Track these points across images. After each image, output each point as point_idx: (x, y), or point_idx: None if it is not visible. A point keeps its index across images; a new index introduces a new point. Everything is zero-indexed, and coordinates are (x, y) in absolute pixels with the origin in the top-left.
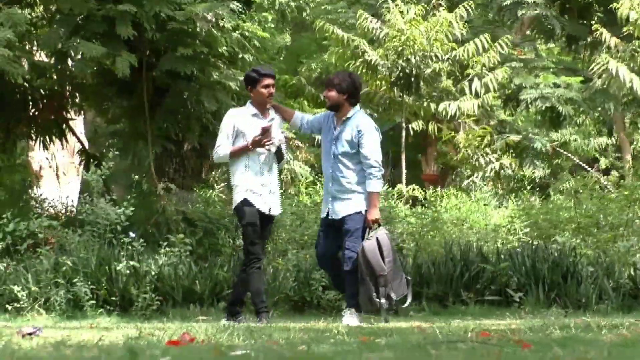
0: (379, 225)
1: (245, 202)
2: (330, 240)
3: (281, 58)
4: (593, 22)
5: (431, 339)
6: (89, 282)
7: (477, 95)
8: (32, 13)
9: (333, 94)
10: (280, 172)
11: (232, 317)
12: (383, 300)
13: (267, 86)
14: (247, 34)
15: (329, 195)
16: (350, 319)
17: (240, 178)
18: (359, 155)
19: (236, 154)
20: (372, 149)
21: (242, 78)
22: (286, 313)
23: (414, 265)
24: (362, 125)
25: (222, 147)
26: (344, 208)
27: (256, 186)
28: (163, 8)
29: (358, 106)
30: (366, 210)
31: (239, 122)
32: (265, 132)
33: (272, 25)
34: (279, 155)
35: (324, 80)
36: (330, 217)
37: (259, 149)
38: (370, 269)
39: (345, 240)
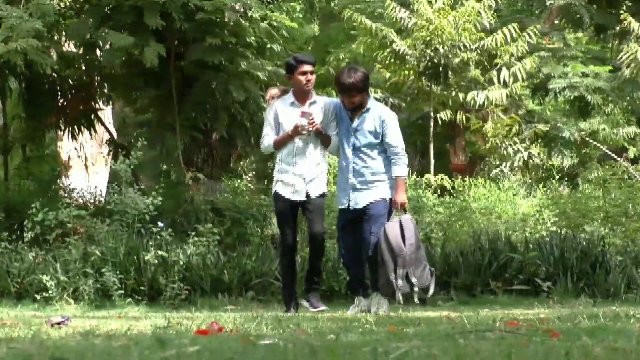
0: (405, 211)
1: (276, 194)
2: (351, 236)
3: (309, 48)
4: (622, 12)
5: (459, 328)
6: (118, 272)
7: (505, 85)
8: (61, 3)
9: (361, 96)
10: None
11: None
12: (400, 282)
13: (304, 73)
14: (275, 24)
15: (348, 187)
16: (378, 305)
17: (275, 169)
18: (382, 145)
19: (280, 144)
20: (398, 137)
21: (270, 68)
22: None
23: (442, 254)
24: (384, 115)
25: (267, 138)
26: (367, 197)
27: (288, 176)
28: None
29: (372, 96)
30: (391, 198)
31: (279, 111)
32: (304, 115)
33: (301, 15)
34: (324, 140)
35: (346, 85)
36: (351, 208)
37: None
38: (390, 249)
39: (370, 226)
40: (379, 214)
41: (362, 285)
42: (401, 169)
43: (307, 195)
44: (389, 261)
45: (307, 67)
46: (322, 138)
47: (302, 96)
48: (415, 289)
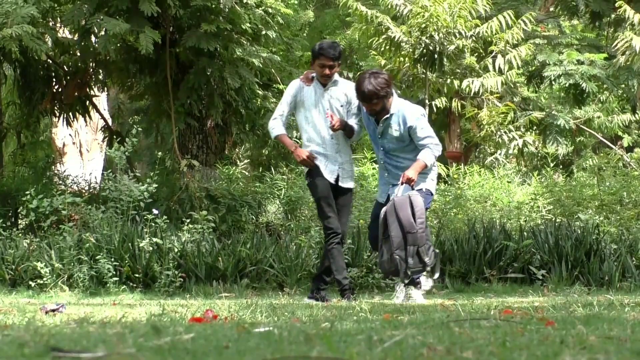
0: (412, 188)
1: (314, 179)
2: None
3: (304, 34)
4: None
5: (454, 316)
6: (112, 259)
7: (500, 72)
8: None
9: (381, 103)
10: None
11: (314, 294)
12: (410, 260)
13: (322, 66)
14: (270, 10)
15: (386, 183)
16: (416, 295)
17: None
18: (410, 146)
19: (282, 144)
20: (427, 136)
21: (265, 55)
22: (309, 290)
23: (436, 242)
24: (409, 119)
25: (277, 123)
26: (406, 189)
27: (321, 162)
28: None
29: (395, 95)
30: (427, 189)
31: (302, 95)
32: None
33: (296, 2)
34: (348, 131)
35: (366, 94)
36: (382, 201)
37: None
38: (400, 225)
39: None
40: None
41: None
42: (428, 154)
43: (337, 181)
44: (397, 237)
45: (324, 61)
46: (347, 131)
47: (323, 83)
48: (428, 268)
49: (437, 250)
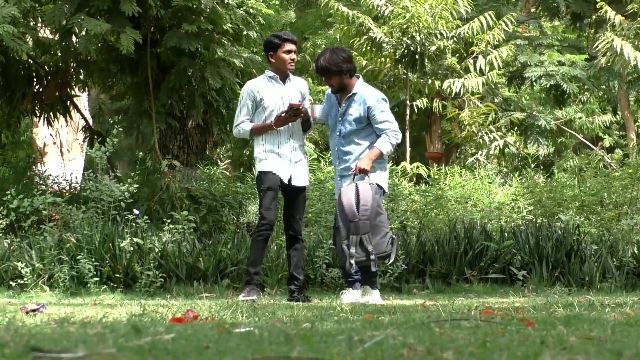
0: (367, 177)
1: (265, 172)
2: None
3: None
4: (598, 0)
5: (435, 317)
6: (93, 259)
7: (481, 73)
8: None
9: (335, 79)
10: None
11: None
12: (353, 250)
13: (288, 52)
14: (251, 10)
15: (337, 174)
16: (372, 297)
17: (260, 150)
18: (367, 130)
19: (258, 132)
20: (387, 121)
21: (246, 55)
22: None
23: (417, 243)
24: (369, 101)
25: (245, 125)
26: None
27: (275, 157)
28: None
29: (360, 79)
30: (379, 184)
31: (260, 92)
32: (291, 109)
33: (277, 2)
34: (305, 124)
35: (318, 67)
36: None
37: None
38: (344, 214)
39: None
40: None
41: (354, 278)
42: (384, 142)
43: (290, 180)
44: (343, 228)
45: (291, 46)
46: (303, 123)
47: (282, 75)
48: (372, 257)
49: (395, 237)
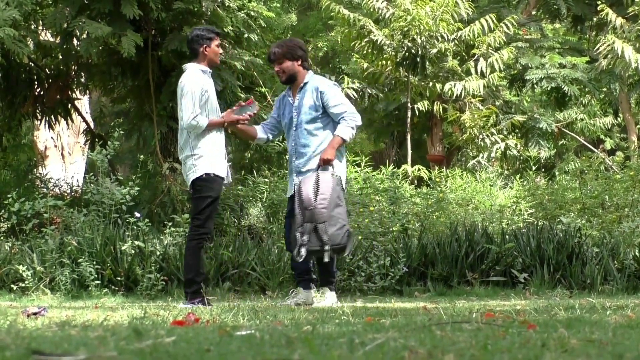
0: (332, 168)
1: (215, 175)
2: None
3: (287, 37)
4: (599, 3)
5: (436, 319)
6: (94, 262)
7: (482, 76)
8: None
9: (287, 64)
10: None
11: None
12: (305, 237)
13: (220, 46)
14: (252, 13)
15: (293, 172)
16: (328, 298)
17: (209, 148)
18: (323, 120)
19: (211, 127)
20: (341, 104)
21: (247, 58)
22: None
23: (419, 245)
24: (321, 86)
25: (202, 118)
26: None
27: (221, 156)
28: None
29: (311, 72)
30: (339, 177)
31: (206, 84)
32: (251, 103)
33: (278, 5)
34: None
35: (271, 57)
36: (290, 195)
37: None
38: (300, 201)
39: None
40: None
41: (305, 277)
42: (344, 128)
43: (227, 177)
44: (299, 215)
45: (221, 40)
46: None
47: (212, 68)
48: (326, 247)
49: (352, 231)
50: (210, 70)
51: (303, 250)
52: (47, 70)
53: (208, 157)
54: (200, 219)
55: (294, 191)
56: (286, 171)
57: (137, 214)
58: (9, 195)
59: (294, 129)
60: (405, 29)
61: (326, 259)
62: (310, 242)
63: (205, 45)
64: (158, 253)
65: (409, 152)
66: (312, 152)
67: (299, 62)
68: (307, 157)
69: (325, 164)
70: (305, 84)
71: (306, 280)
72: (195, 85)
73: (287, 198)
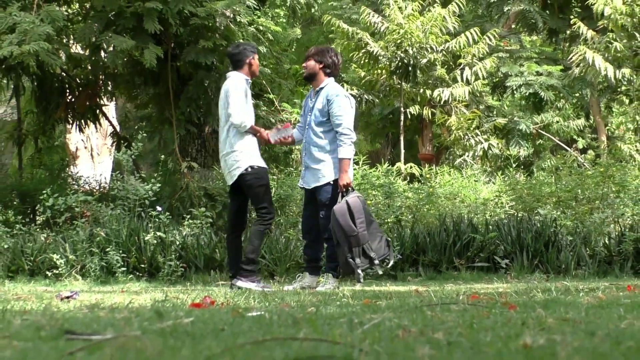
0: (352, 189)
1: (258, 166)
2: (307, 210)
3: (292, 49)
4: (572, 17)
5: (427, 301)
6: (120, 251)
7: (467, 83)
8: (69, 10)
9: (310, 63)
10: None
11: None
12: (358, 260)
13: (258, 59)
14: (261, 28)
15: (303, 165)
16: (330, 282)
17: (247, 144)
18: (328, 125)
19: (249, 130)
20: (342, 117)
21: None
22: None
23: (411, 235)
24: (331, 94)
25: (249, 118)
26: (314, 179)
27: (257, 151)
28: (186, 5)
29: (332, 78)
30: (336, 180)
31: (247, 91)
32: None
33: (284, 20)
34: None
35: (307, 53)
36: (301, 187)
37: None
38: (342, 231)
39: (320, 211)
40: (325, 199)
41: (313, 265)
42: (345, 150)
43: None
44: (344, 243)
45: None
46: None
47: (252, 77)
48: (376, 261)
49: (389, 239)
50: (250, 81)
51: (361, 274)
52: (77, 79)
53: (247, 152)
54: (265, 207)
55: (333, 217)
56: (292, 169)
57: (159, 208)
58: (44, 192)
59: (307, 127)
60: (399, 41)
61: (379, 272)
62: (361, 263)
63: (251, 57)
64: (177, 243)
65: (402, 151)
66: (318, 151)
67: (322, 66)
68: (313, 155)
69: (345, 188)
70: (322, 88)
71: (314, 267)
72: (241, 90)
73: (292, 193)
